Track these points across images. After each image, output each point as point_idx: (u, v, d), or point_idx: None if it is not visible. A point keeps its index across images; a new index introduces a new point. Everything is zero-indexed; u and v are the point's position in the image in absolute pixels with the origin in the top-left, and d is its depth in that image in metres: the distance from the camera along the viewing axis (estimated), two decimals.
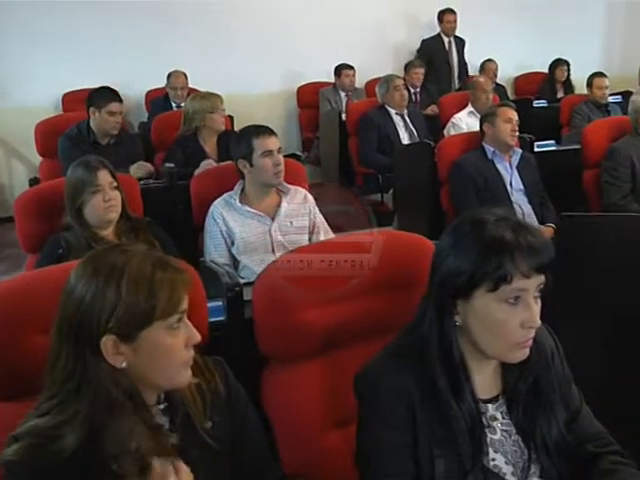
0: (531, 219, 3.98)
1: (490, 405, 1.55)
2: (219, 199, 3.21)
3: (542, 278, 1.45)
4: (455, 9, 7.82)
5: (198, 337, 1.43)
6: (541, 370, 1.58)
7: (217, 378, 1.55)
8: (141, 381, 1.39)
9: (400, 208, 4.90)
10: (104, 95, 4.39)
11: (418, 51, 7.94)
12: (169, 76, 6.50)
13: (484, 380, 1.56)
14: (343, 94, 7.22)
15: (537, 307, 1.46)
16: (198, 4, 6.98)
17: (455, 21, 7.84)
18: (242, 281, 2.67)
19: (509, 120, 4.07)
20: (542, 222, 3.99)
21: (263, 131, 3.17)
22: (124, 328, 1.34)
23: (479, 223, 1.46)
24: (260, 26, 7.17)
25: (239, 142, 3.20)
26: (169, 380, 1.43)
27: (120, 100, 4.44)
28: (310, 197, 3.31)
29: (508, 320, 1.44)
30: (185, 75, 6.50)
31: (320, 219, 3.29)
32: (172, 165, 4.15)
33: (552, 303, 3.06)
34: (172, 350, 1.39)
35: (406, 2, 7.87)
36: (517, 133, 4.16)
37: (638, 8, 8.78)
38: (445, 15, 7.82)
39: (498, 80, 8.18)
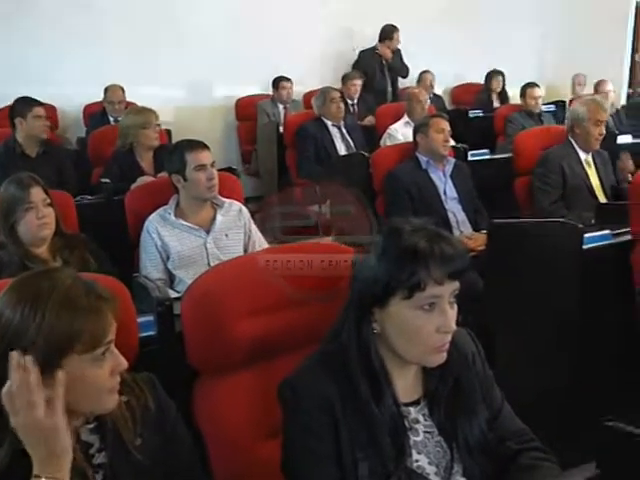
0: (465, 226, 4.07)
1: (412, 408, 1.59)
2: (154, 214, 3.21)
3: (456, 284, 1.50)
4: (394, 22, 7.86)
5: (124, 364, 1.43)
6: (461, 372, 1.62)
7: (147, 394, 1.55)
8: (67, 407, 1.38)
9: None
10: (25, 102, 4.51)
11: (355, 63, 7.96)
12: (106, 90, 6.43)
13: (406, 384, 1.59)
14: (281, 106, 7.21)
15: (453, 312, 1.51)
16: (136, 17, 6.91)
17: (399, 38, 7.91)
18: (178, 295, 2.68)
19: (441, 130, 4.14)
20: (476, 229, 4.05)
21: (196, 145, 3.19)
22: (47, 359, 1.32)
23: (395, 232, 1.51)
24: (198, 40, 7.13)
25: (172, 157, 3.22)
26: (94, 408, 1.43)
27: (42, 104, 4.57)
28: (245, 210, 3.33)
29: (424, 326, 1.48)
30: (122, 89, 6.44)
31: (255, 231, 3.31)
32: (108, 181, 4.14)
33: (485, 305, 3.17)
34: (97, 380, 1.39)
35: (345, 14, 7.86)
36: (450, 143, 4.25)
37: (568, 22, 9.00)
38: (393, 33, 7.84)
39: (436, 91, 8.31)
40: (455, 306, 1.52)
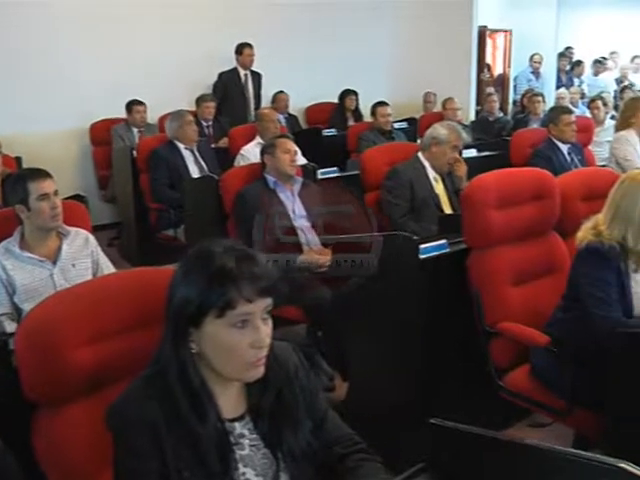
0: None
1: (237, 423, 1.65)
2: None
3: (268, 301, 1.57)
4: (252, 43, 7.97)
5: None
6: (283, 385, 1.69)
7: None
8: None
9: (192, 242, 4.93)
10: None
11: (215, 85, 8.00)
12: None
13: (229, 401, 1.65)
14: (135, 130, 7.13)
15: (266, 328, 1.58)
16: None
17: (252, 55, 7.97)
18: None
19: (287, 151, 4.23)
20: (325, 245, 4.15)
21: (38, 174, 3.15)
22: None
23: (207, 254, 1.57)
24: (49, 63, 6.97)
25: (15, 187, 3.15)
26: None
27: None
28: (92, 238, 3.31)
29: (238, 343, 1.54)
30: None
31: (103, 260, 3.31)
32: None
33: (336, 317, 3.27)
34: None
35: (203, 37, 7.87)
36: (297, 163, 4.35)
37: (419, 43, 9.37)
38: (244, 49, 7.93)
39: (291, 110, 8.47)
40: (269, 322, 1.59)
